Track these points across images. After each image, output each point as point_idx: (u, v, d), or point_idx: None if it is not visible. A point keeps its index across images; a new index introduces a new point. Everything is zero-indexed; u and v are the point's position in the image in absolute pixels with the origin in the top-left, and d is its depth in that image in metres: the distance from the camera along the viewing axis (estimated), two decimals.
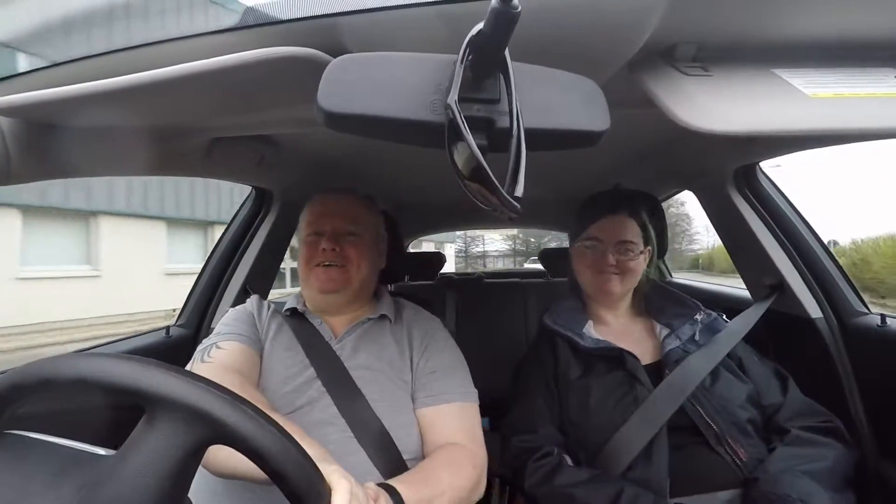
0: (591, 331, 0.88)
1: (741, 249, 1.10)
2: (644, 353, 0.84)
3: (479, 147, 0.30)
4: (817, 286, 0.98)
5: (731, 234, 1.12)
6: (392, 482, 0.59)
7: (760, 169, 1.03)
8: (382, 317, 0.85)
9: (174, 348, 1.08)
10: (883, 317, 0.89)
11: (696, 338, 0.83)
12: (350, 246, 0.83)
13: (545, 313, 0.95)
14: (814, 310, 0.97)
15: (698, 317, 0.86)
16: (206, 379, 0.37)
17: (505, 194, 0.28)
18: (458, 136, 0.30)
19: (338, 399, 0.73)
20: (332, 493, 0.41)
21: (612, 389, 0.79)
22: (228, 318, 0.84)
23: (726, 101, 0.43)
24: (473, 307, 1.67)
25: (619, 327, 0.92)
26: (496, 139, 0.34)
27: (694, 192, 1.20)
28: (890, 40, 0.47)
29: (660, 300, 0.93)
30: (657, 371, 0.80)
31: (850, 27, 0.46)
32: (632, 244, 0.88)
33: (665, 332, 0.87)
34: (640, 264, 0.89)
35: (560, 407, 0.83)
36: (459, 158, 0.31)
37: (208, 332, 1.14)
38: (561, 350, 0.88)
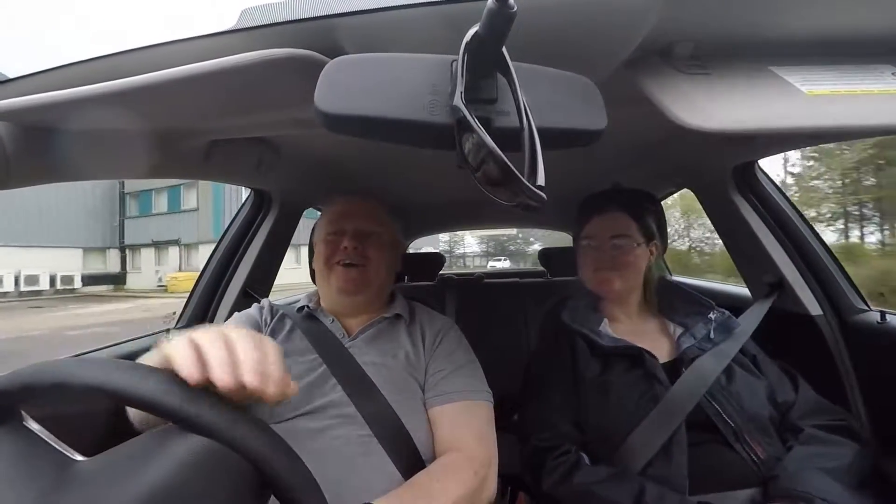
0: (608, 329, 0.88)
1: (741, 247, 1.10)
2: (660, 351, 0.83)
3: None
4: (817, 283, 0.98)
5: (730, 232, 1.12)
6: (376, 503, 0.56)
7: (759, 166, 1.03)
8: (397, 316, 0.85)
9: None
10: (882, 313, 0.89)
11: (712, 336, 0.83)
12: (371, 246, 0.83)
13: (562, 311, 0.94)
14: (813, 307, 0.97)
15: (712, 315, 0.86)
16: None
17: (528, 184, 0.28)
18: (469, 133, 0.30)
19: (354, 396, 0.71)
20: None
21: (630, 388, 0.79)
22: (231, 322, 0.84)
23: (723, 99, 0.43)
24: (473, 307, 1.66)
25: (632, 326, 0.91)
26: (495, 138, 0.34)
27: (693, 190, 1.20)
28: (886, 37, 0.47)
29: (672, 298, 0.93)
30: (673, 369, 0.80)
31: (847, 24, 0.46)
32: (625, 237, 0.88)
33: (679, 330, 0.87)
34: (638, 258, 0.88)
35: (578, 405, 0.82)
36: (472, 156, 0.31)
37: None
38: (579, 348, 0.87)
